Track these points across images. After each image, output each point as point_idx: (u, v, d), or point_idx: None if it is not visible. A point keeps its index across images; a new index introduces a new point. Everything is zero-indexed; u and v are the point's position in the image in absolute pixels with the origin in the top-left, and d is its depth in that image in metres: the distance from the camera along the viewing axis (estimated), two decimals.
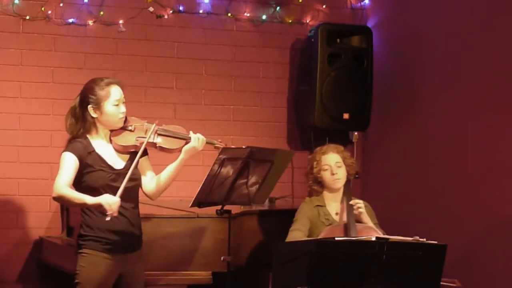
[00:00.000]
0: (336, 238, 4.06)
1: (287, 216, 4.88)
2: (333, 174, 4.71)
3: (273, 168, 4.44)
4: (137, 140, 4.10)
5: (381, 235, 4.45)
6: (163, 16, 6.03)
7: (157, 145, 4.13)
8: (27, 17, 5.70)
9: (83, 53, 5.86)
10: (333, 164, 4.72)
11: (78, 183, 4.04)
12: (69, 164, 4.00)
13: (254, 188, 4.46)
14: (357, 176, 4.83)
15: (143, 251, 4.27)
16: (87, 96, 4.06)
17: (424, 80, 5.86)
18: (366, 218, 4.65)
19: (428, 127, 5.82)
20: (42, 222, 5.76)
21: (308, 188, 4.89)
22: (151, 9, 5.98)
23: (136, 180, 4.13)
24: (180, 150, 4.16)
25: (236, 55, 6.24)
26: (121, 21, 5.92)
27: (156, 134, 4.13)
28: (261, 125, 6.30)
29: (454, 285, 4.32)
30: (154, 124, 4.13)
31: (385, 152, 6.28)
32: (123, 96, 4.10)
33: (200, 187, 4.26)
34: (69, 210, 5.68)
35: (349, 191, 4.75)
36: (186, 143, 4.17)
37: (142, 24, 5.98)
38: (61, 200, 3.99)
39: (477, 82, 5.39)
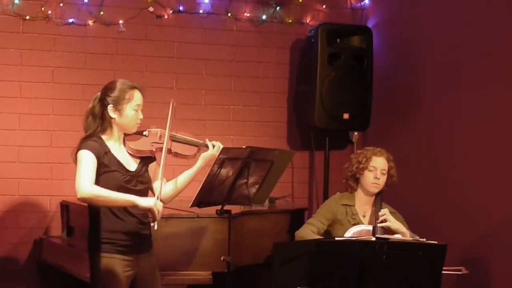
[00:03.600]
0: (336, 238, 4.06)
1: (287, 216, 4.88)
2: (376, 178, 4.68)
3: (273, 168, 4.44)
4: (152, 145, 4.15)
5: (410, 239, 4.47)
6: (163, 16, 6.03)
7: (172, 151, 4.18)
8: (27, 17, 5.70)
9: (83, 53, 5.86)
10: (380, 169, 4.70)
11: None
12: (89, 162, 3.95)
13: (254, 188, 4.45)
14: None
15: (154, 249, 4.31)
16: (109, 96, 4.06)
17: (424, 79, 5.86)
18: (396, 226, 4.63)
19: (428, 127, 5.82)
20: (42, 222, 5.76)
21: (343, 180, 4.84)
22: (151, 9, 5.98)
23: (146, 184, 4.17)
24: (193, 156, 4.22)
25: (236, 55, 6.24)
26: (121, 21, 5.92)
27: (171, 141, 4.17)
28: (261, 125, 6.30)
29: (461, 272, 4.30)
30: (167, 130, 4.16)
31: None
32: (142, 102, 4.14)
33: (200, 187, 4.26)
34: (69, 210, 5.68)
35: (381, 198, 4.74)
36: (199, 150, 4.23)
37: (142, 24, 5.98)
38: (92, 199, 3.90)
39: (477, 82, 5.39)
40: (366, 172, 4.69)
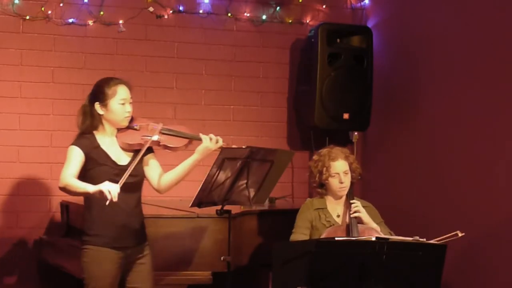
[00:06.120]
0: (336, 238, 4.06)
1: (287, 216, 4.88)
2: (341, 182, 4.68)
3: (273, 168, 4.44)
4: (142, 138, 4.24)
5: (382, 235, 4.45)
6: (163, 16, 6.03)
7: (160, 143, 4.26)
8: (27, 17, 5.71)
9: (83, 53, 5.86)
10: (342, 172, 4.68)
11: (83, 177, 4.16)
12: (76, 157, 4.15)
13: (254, 188, 4.45)
14: (359, 177, 4.81)
15: (150, 246, 4.37)
16: (96, 94, 4.23)
17: (424, 79, 5.86)
18: (366, 219, 4.63)
19: (428, 127, 5.82)
20: (42, 222, 5.76)
21: (311, 188, 4.87)
22: (151, 9, 5.98)
23: (137, 176, 4.25)
24: (183, 148, 4.30)
25: (236, 55, 6.24)
26: (121, 21, 5.92)
27: (160, 134, 4.26)
28: (261, 125, 6.30)
29: (457, 236, 4.23)
30: (160, 124, 4.28)
31: (385, 152, 6.28)
32: (130, 96, 4.25)
33: (200, 187, 4.26)
34: (69, 210, 5.68)
35: (352, 193, 4.74)
36: (190, 142, 4.30)
37: (142, 24, 5.98)
38: (67, 190, 4.09)
39: (477, 82, 5.39)
40: (330, 179, 4.69)
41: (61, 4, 5.77)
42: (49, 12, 5.75)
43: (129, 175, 4.10)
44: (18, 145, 5.72)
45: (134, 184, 4.23)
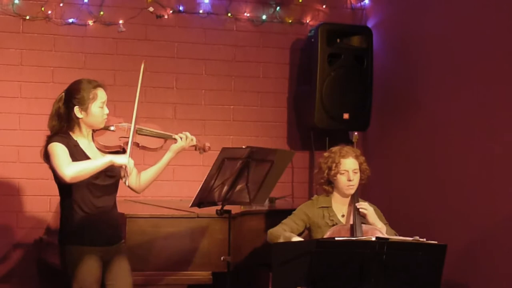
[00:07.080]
0: (336, 238, 4.06)
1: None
2: (349, 180, 4.68)
3: (273, 168, 4.44)
4: (120, 140, 4.25)
5: (385, 235, 4.45)
6: (163, 16, 6.03)
7: (140, 145, 4.28)
8: (27, 17, 5.71)
9: (83, 53, 5.86)
10: (351, 170, 4.69)
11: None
12: (63, 150, 4.09)
13: (254, 188, 4.46)
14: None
15: (126, 244, 4.41)
16: (74, 97, 4.19)
17: (424, 80, 5.86)
18: (372, 218, 4.63)
19: (428, 127, 5.82)
20: (42, 222, 5.76)
21: (316, 185, 4.87)
22: (151, 9, 5.98)
23: (114, 177, 4.25)
24: (160, 148, 4.34)
25: (236, 55, 6.24)
26: (121, 21, 5.92)
27: (137, 134, 4.27)
28: (261, 125, 6.30)
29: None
30: (134, 124, 4.26)
31: (385, 152, 6.28)
32: (106, 97, 4.24)
33: (200, 187, 4.27)
34: None
35: (357, 194, 4.74)
36: (165, 142, 4.35)
37: (142, 24, 5.98)
38: (80, 175, 4.01)
39: (477, 82, 5.39)
40: (338, 176, 4.69)
41: (61, 4, 5.77)
42: (49, 12, 5.75)
43: (107, 176, 4.15)
44: (18, 145, 5.72)
45: (112, 185, 4.24)
